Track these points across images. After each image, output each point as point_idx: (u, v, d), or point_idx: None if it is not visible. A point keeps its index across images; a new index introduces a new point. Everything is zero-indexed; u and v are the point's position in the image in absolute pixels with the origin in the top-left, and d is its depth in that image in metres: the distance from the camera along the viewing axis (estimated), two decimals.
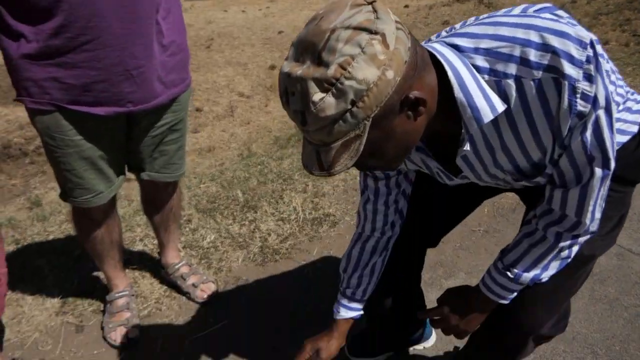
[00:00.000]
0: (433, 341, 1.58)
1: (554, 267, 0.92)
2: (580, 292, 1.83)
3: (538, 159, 0.79)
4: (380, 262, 1.17)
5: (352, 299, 1.17)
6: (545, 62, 0.67)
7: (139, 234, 2.12)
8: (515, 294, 0.97)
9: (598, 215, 0.83)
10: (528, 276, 0.92)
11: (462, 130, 0.76)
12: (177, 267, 1.76)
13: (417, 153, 0.92)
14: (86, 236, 1.53)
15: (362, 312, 1.20)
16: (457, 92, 0.71)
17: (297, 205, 2.27)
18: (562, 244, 0.88)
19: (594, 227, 0.85)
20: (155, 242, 1.90)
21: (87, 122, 1.24)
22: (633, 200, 2.52)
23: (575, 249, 0.90)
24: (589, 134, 0.72)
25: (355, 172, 2.59)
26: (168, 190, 1.62)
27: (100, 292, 1.76)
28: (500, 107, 0.71)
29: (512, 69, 0.69)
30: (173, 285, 1.78)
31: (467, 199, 1.20)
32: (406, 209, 1.13)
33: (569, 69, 0.66)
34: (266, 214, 2.22)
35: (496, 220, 2.26)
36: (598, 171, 0.77)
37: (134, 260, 1.94)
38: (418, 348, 1.56)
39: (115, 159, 1.38)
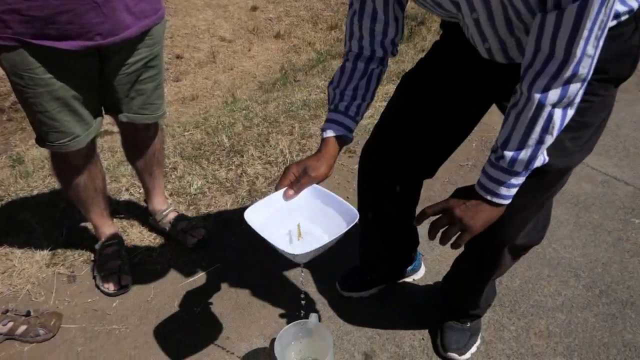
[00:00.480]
0: (422, 273, 1.61)
1: (548, 139, 0.83)
2: (566, 219, 1.86)
3: None
4: (377, 74, 1.06)
5: (344, 114, 1.04)
6: None
7: (124, 184, 2.09)
8: (513, 190, 0.89)
9: (591, 50, 0.74)
10: (522, 158, 0.84)
11: None
12: (165, 213, 1.75)
13: None
14: (68, 184, 1.50)
15: (353, 134, 1.07)
16: None
17: (284, 147, 2.24)
18: (549, 101, 0.78)
19: (584, 67, 0.75)
20: (142, 191, 1.88)
21: (55, 58, 1.17)
22: (620, 127, 2.53)
23: (569, 112, 0.80)
24: None
25: None
26: (149, 132, 1.58)
27: (89, 242, 1.76)
28: None
29: None
30: (162, 232, 1.78)
31: (459, 124, 1.17)
32: (398, 34, 1.03)
33: None
34: (253, 157, 2.19)
35: (484, 155, 2.26)
36: None
37: (121, 209, 1.93)
38: (407, 280, 1.59)
39: (89, 99, 1.33)
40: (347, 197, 2.00)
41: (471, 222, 0.92)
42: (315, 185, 1.03)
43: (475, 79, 1.06)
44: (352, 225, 0.95)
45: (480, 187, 0.92)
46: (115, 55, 1.27)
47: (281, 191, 1.02)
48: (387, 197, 1.26)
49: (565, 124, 0.81)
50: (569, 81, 0.76)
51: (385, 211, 1.29)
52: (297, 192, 1.01)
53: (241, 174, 2.09)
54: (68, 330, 1.47)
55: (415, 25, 4.45)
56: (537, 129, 0.81)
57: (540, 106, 0.79)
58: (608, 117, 1.01)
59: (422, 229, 1.49)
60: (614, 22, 0.85)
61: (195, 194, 1.99)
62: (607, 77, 0.91)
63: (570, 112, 0.81)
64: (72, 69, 1.22)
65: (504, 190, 0.89)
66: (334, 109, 1.05)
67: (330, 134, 1.03)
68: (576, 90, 0.77)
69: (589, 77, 0.77)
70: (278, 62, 4.43)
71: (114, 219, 1.81)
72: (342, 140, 1.05)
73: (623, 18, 0.85)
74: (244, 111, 2.80)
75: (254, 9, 4.99)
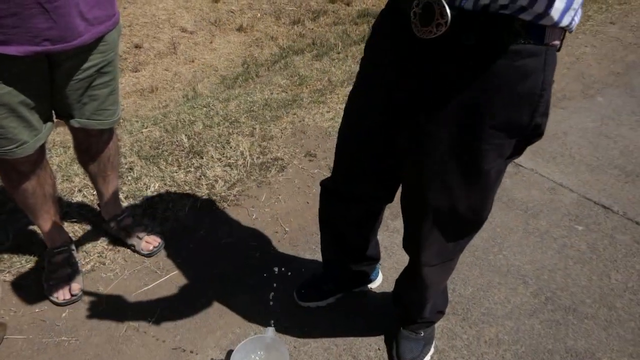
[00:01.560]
0: (380, 281, 1.64)
1: None
2: (515, 226, 1.94)
3: None
4: None
5: None
6: None
7: (77, 184, 2.01)
8: None
9: None
10: None
11: None
12: (119, 218, 1.70)
13: None
14: (15, 190, 1.43)
15: None
16: None
17: (244, 149, 2.21)
18: None
19: None
20: (95, 192, 1.82)
21: (2, 63, 1.11)
22: (567, 134, 2.64)
23: None
24: None
25: (302, 112, 2.54)
26: (103, 138, 1.52)
27: (38, 247, 1.69)
28: None
29: None
30: (116, 237, 1.72)
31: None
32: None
33: None
34: (212, 159, 2.15)
35: None
36: None
37: (73, 212, 1.86)
38: (365, 289, 1.62)
39: (39, 105, 1.26)
40: (307, 202, 2.03)
41: None
42: None
43: (405, 67, 0.88)
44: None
45: None
46: (66, 62, 1.21)
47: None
48: (348, 226, 1.29)
49: None
50: None
51: (346, 236, 1.32)
52: None
53: (200, 176, 2.05)
54: (14, 341, 1.41)
55: None
56: None
57: None
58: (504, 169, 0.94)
59: (379, 236, 1.52)
60: (518, 46, 0.75)
61: (152, 197, 1.94)
62: (495, 124, 0.82)
63: None
64: (20, 75, 1.15)
65: None
66: None
67: None
68: None
69: None
70: (240, 55, 4.36)
71: (65, 223, 1.75)
72: None
73: (528, 46, 0.76)
74: (204, 108, 2.74)
75: (216, 0, 4.88)
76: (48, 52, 1.14)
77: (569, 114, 2.66)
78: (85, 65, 1.26)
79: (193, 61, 4.30)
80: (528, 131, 0.84)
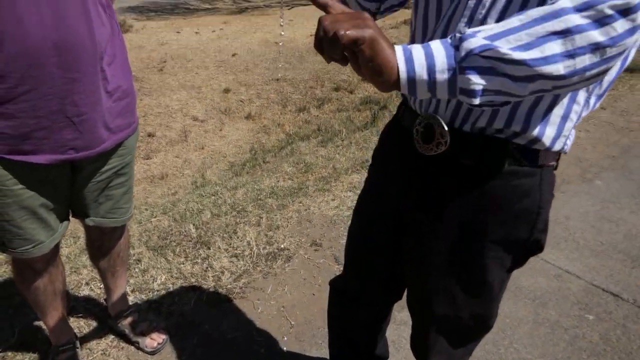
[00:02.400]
0: None
1: (545, 48, 0.59)
2: (525, 316, 1.91)
3: None
4: None
5: None
6: None
7: (85, 277, 2.04)
8: (420, 77, 0.62)
9: None
10: (486, 42, 0.60)
11: None
12: (125, 314, 1.70)
13: None
14: (27, 287, 1.46)
15: None
16: None
17: (251, 239, 2.25)
18: (576, 16, 0.58)
19: None
20: (102, 285, 1.83)
21: (28, 170, 1.19)
22: (569, 219, 2.67)
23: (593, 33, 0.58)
24: None
25: (307, 201, 2.61)
26: (115, 235, 1.57)
27: (42, 343, 1.68)
28: None
29: None
30: (121, 334, 1.72)
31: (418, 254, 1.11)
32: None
33: None
34: (219, 250, 2.19)
35: None
36: None
37: (79, 307, 1.86)
38: None
39: (58, 206, 1.33)
40: (313, 294, 2.02)
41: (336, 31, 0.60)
42: None
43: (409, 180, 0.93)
44: None
45: (402, 49, 0.64)
46: (88, 166, 1.30)
47: None
48: (357, 328, 1.28)
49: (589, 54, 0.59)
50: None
51: (355, 336, 1.31)
52: None
53: (207, 268, 2.08)
54: None
55: (378, 110, 4.71)
56: (541, 27, 0.59)
57: (563, 10, 0.59)
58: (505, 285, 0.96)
59: (390, 334, 1.50)
60: (514, 167, 0.79)
61: (158, 290, 1.95)
62: (494, 239, 0.85)
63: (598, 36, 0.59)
64: (44, 180, 1.23)
65: (417, 59, 0.62)
66: None
67: None
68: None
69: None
70: (248, 142, 4.55)
71: (71, 318, 1.75)
72: None
73: (524, 168, 0.80)
74: (212, 197, 2.83)
75: (227, 91, 5.19)
76: (72, 160, 1.23)
77: (569, 198, 2.71)
78: (104, 169, 1.35)
79: (203, 148, 4.49)
80: (527, 246, 0.86)
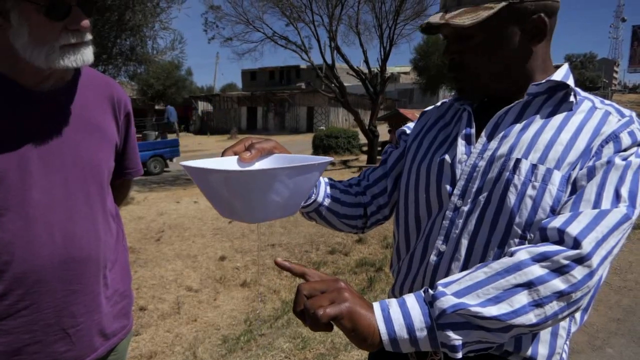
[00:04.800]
0: None
1: (511, 304, 0.63)
2: None
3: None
4: (359, 213, 1.02)
5: (326, 183, 0.99)
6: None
7: None
8: (401, 338, 0.64)
9: (604, 251, 0.66)
10: (458, 301, 0.63)
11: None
12: None
13: (455, 111, 0.91)
14: None
15: (319, 193, 0.96)
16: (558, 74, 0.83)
17: None
18: (536, 267, 0.64)
19: (597, 256, 0.65)
20: None
21: None
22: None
23: (562, 302, 0.64)
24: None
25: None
26: None
27: None
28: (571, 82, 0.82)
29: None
30: None
31: None
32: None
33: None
34: None
35: None
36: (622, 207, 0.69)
37: None
38: None
39: None
40: None
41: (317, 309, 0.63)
42: (277, 154, 0.82)
43: None
44: (321, 161, 0.72)
45: (380, 308, 0.66)
46: None
47: (234, 157, 0.78)
48: None
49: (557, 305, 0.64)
50: (573, 260, 0.64)
51: None
52: (255, 155, 0.79)
53: None
54: None
55: (374, 272, 4.71)
56: (506, 283, 0.64)
57: (524, 264, 0.65)
58: None
59: None
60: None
61: None
62: None
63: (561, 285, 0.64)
64: None
65: (396, 321, 0.64)
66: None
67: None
68: (581, 277, 0.64)
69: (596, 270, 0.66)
70: (243, 311, 4.42)
71: None
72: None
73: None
74: None
75: (222, 258, 5.23)
76: None
77: None
78: None
79: (196, 320, 4.33)
80: None
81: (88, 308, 1.17)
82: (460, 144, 0.84)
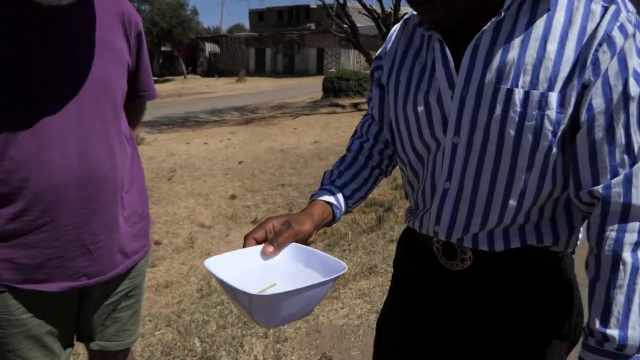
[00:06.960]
0: None
1: None
2: None
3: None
4: (375, 175, 1.01)
5: (340, 189, 0.95)
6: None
7: None
8: None
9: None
10: (634, 336, 0.69)
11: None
12: None
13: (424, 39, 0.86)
14: None
15: (342, 210, 0.95)
16: None
17: (258, 353, 2.17)
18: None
19: None
20: None
21: (37, 298, 1.19)
22: None
23: None
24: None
25: (315, 309, 2.56)
26: (119, 357, 1.53)
27: None
28: None
29: None
30: None
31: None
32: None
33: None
34: None
35: None
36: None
37: None
38: None
39: (63, 332, 1.30)
40: None
41: None
42: (295, 244, 0.87)
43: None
44: (335, 277, 0.78)
45: None
46: (98, 291, 1.30)
47: (257, 247, 0.83)
48: None
49: None
50: None
51: None
52: (278, 248, 0.82)
53: None
54: None
55: (383, 212, 4.78)
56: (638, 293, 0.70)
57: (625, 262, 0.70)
58: None
59: None
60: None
61: None
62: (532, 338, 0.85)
63: None
64: (52, 308, 1.21)
65: None
66: (329, 183, 0.96)
67: (319, 197, 0.91)
68: None
69: None
70: None
71: None
72: (329, 211, 0.91)
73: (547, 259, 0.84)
74: (218, 307, 2.78)
75: (233, 197, 5.32)
76: (84, 287, 1.23)
77: None
78: (114, 292, 1.34)
79: (209, 254, 4.49)
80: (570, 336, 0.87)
81: (107, 227, 1.20)
82: (442, 79, 0.80)
